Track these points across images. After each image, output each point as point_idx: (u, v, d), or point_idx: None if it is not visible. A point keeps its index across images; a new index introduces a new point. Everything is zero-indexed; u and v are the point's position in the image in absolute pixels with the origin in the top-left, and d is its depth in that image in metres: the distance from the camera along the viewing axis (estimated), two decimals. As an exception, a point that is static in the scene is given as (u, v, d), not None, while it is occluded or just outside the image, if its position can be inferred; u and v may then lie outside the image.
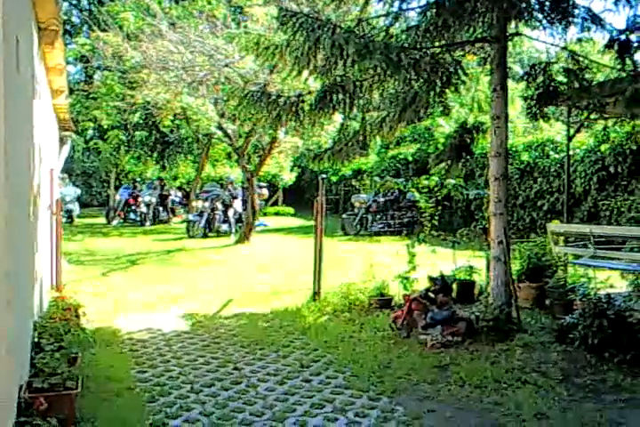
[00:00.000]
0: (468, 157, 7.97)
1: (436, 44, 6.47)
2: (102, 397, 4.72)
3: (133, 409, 4.51)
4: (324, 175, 8.44)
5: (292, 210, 23.92)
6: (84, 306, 6.54)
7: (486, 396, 4.78)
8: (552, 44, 7.05)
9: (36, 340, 5.01)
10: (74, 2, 24.17)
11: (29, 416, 3.77)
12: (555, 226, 8.67)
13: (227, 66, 12.37)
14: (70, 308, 6.10)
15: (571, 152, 10.33)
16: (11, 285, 3.49)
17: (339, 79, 6.75)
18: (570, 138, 9.06)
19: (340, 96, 6.79)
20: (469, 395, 4.81)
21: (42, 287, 6.37)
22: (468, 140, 7.54)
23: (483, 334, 6.22)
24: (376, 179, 17.91)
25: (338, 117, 11.17)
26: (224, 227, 16.47)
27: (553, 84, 7.04)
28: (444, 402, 4.68)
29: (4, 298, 3.30)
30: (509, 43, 6.82)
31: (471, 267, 8.29)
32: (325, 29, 5.68)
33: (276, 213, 23.21)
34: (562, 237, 8.56)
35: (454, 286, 7.89)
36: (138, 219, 19.69)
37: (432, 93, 6.59)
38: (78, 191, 20.73)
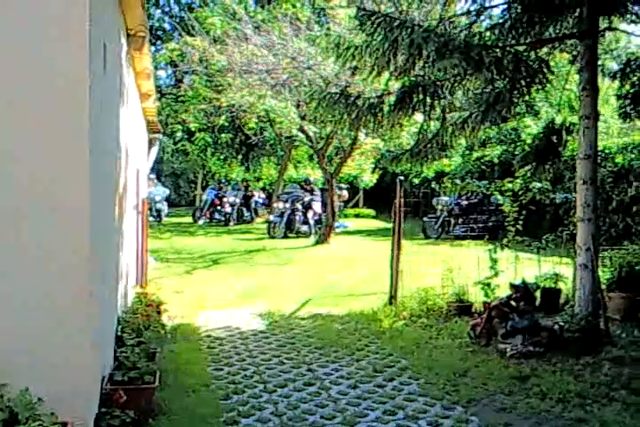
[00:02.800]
0: (556, 159, 7.62)
1: (522, 41, 6.22)
2: (178, 392, 4.84)
3: (208, 405, 4.60)
4: (402, 177, 8.31)
5: (372, 212, 23.77)
6: (166, 302, 6.76)
7: (568, 411, 4.52)
8: (650, 39, 6.62)
9: (119, 334, 5.22)
10: (166, 9, 25.16)
11: (109, 407, 3.92)
12: (650, 233, 8.14)
13: (309, 68, 12.47)
14: (152, 304, 6.31)
15: (670, 154, 9.67)
16: (95, 279, 3.63)
17: (419, 79, 6.62)
18: (669, 139, 8.48)
19: (420, 96, 6.65)
20: (550, 409, 4.57)
21: (127, 283, 6.63)
22: (556, 142, 7.21)
23: (567, 346, 5.90)
24: (457, 181, 17.51)
25: (419, 118, 11.00)
26: (304, 228, 16.62)
27: (650, 81, 6.63)
28: (521, 415, 4.48)
29: (87, 289, 3.44)
30: (601, 38, 6.46)
31: (557, 274, 7.91)
32: (404, 29, 5.58)
33: (357, 215, 23.15)
34: (658, 245, 8.02)
35: (538, 293, 7.55)
36: (222, 219, 20.22)
37: (516, 93, 6.34)
38: (167, 191, 21.55)
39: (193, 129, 18.74)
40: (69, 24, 3.35)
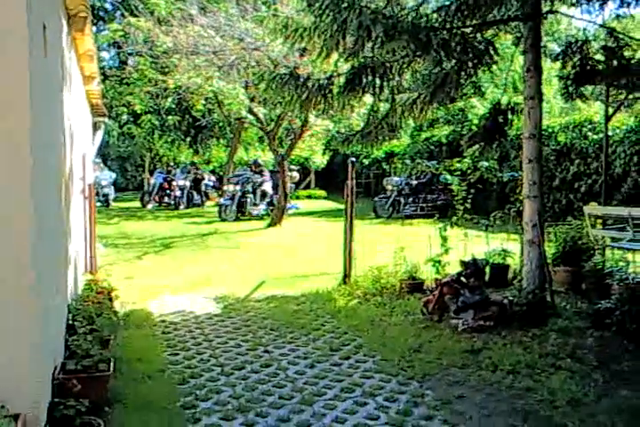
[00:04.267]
0: (502, 138, 7.79)
1: (468, 23, 6.29)
2: (134, 379, 4.80)
3: (164, 391, 4.58)
4: (353, 159, 8.36)
5: (324, 193, 23.88)
6: (117, 289, 6.66)
7: (518, 382, 4.70)
8: (589, 22, 6.83)
9: (70, 322, 5.12)
10: (106, -13, 24.28)
11: (63, 397, 3.85)
12: (592, 208, 8.44)
13: (257, 49, 12.31)
14: (103, 291, 6.21)
15: (610, 133, 10.02)
16: (42, 267, 3.54)
17: (368, 61, 6.63)
18: (608, 118, 8.78)
19: (370, 78, 6.66)
20: (501, 380, 4.74)
21: (76, 270, 6.49)
22: (502, 122, 7.36)
23: (516, 319, 6.12)
24: (407, 162, 17.73)
25: (369, 100, 11.05)
26: (255, 210, 16.56)
27: (590, 62, 6.82)
28: (474, 387, 4.63)
29: (30, 279, 3.35)
30: (544, 21, 6.60)
31: (505, 250, 8.15)
32: (352, 10, 5.56)
33: (308, 197, 23.21)
34: (599, 220, 8.34)
35: (487, 269, 7.76)
36: (172, 202, 19.94)
37: (463, 74, 6.43)
38: (114, 176, 21.08)
39: (139, 112, 18.23)
40: (6, 1, 3.20)
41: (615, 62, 6.70)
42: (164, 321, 6.61)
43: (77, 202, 6.99)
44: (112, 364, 4.39)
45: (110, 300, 6.17)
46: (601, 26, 7.13)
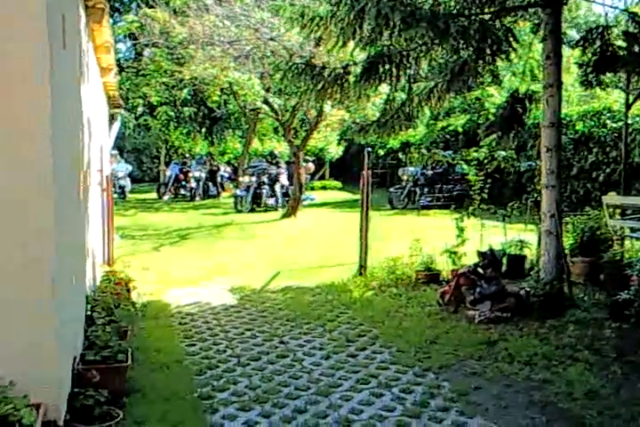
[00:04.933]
0: (520, 127, 7.70)
1: (486, 10, 6.21)
2: (152, 369, 4.84)
3: (181, 382, 4.62)
4: (369, 149, 8.31)
5: (339, 184, 23.81)
6: (134, 280, 6.70)
7: (535, 373, 4.68)
8: (611, 7, 6.68)
9: (88, 313, 5.16)
10: (122, -21, 24.29)
11: (83, 387, 3.89)
12: (611, 198, 8.32)
13: (272, 39, 12.26)
14: (121, 282, 6.25)
15: (629, 121, 9.85)
16: (61, 258, 3.57)
17: (385, 49, 6.57)
18: (629, 106, 8.60)
19: (387, 67, 6.61)
20: (518, 372, 4.72)
21: (94, 262, 6.54)
22: (520, 111, 7.27)
23: (533, 310, 6.08)
24: (423, 151, 17.60)
25: (385, 89, 10.98)
26: (271, 201, 16.57)
27: (611, 49, 6.69)
28: (491, 379, 4.61)
29: (53, 269, 3.38)
30: (564, 7, 6.48)
31: (522, 241, 8.08)
32: (370, -2, 5.51)
33: (323, 188, 23.16)
34: (618, 210, 8.22)
35: (504, 260, 7.72)
36: (188, 194, 19.98)
37: (481, 62, 6.35)
38: (130, 167, 21.15)
39: (155, 103, 18.29)
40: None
41: (637, 48, 6.56)
42: (180, 312, 6.65)
43: (95, 194, 7.04)
44: (130, 354, 4.43)
45: (128, 291, 6.21)
46: (623, 11, 6.98)
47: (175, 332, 5.92)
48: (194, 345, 5.50)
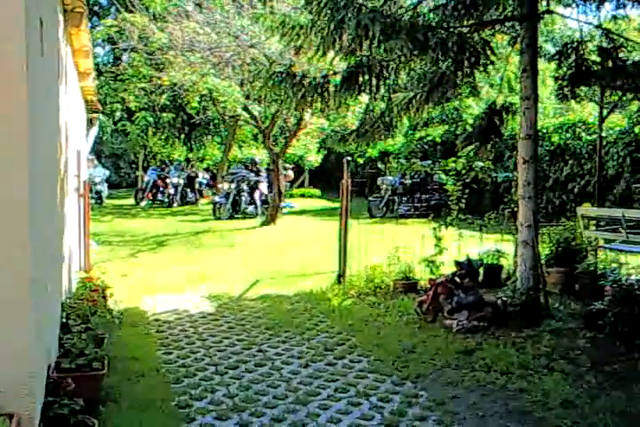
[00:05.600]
0: (497, 139, 7.81)
1: (465, 23, 6.30)
2: (128, 377, 4.78)
3: (158, 390, 4.57)
4: (348, 157, 8.36)
5: (318, 192, 23.85)
6: (111, 287, 6.63)
7: (512, 383, 4.72)
8: (585, 23, 6.83)
9: (64, 320, 5.09)
10: (101, -18, 24.18)
11: (57, 396, 3.83)
12: (585, 209, 8.47)
13: (252, 47, 12.27)
14: (97, 289, 6.19)
15: (603, 133, 10.05)
16: (37, 265, 3.52)
17: (365, 60, 6.62)
18: (602, 119, 8.79)
19: (366, 77, 6.66)
20: (495, 381, 4.76)
21: (70, 268, 6.46)
22: (497, 122, 7.38)
23: (510, 320, 6.14)
24: (402, 161, 17.73)
25: (365, 98, 11.05)
26: (250, 208, 16.53)
27: (585, 63, 6.84)
28: (468, 388, 4.64)
29: (26, 279, 3.33)
30: (540, 21, 6.61)
31: (499, 251, 8.17)
32: (351, 9, 5.55)
33: (302, 195, 23.16)
34: (593, 221, 8.37)
35: (481, 270, 7.80)
36: (166, 200, 19.85)
37: (460, 74, 6.43)
38: (107, 173, 20.95)
39: (133, 108, 18.22)
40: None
41: (610, 63, 6.72)
42: (157, 320, 6.59)
43: (72, 199, 6.96)
44: (106, 363, 4.38)
45: (104, 298, 6.14)
46: (597, 26, 7.14)
47: (152, 340, 5.86)
48: (171, 353, 5.45)
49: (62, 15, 5.49)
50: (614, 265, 7.22)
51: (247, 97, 13.70)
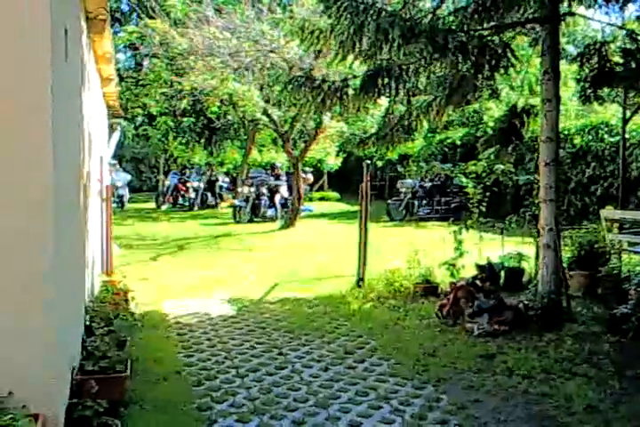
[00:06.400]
0: (518, 141, 7.76)
1: (485, 25, 6.28)
2: (150, 380, 4.83)
3: (180, 393, 4.60)
4: (368, 161, 8.36)
5: (337, 195, 23.87)
6: (132, 290, 6.70)
7: (534, 387, 4.68)
8: (608, 24, 6.76)
9: (87, 323, 5.16)
10: (123, -10, 24.48)
11: (81, 398, 3.89)
12: (609, 212, 8.38)
13: (272, 51, 12.35)
14: (120, 292, 6.25)
15: (627, 135, 9.93)
16: (61, 268, 3.58)
17: (384, 63, 6.63)
18: (626, 121, 8.69)
19: (386, 80, 6.66)
20: (516, 386, 4.72)
21: (93, 272, 6.54)
22: (518, 124, 7.34)
23: (531, 324, 6.09)
24: (422, 164, 17.68)
25: (384, 102, 11.05)
26: (270, 212, 16.59)
27: (608, 64, 6.77)
28: (489, 392, 4.61)
29: (54, 279, 3.38)
30: (562, 23, 6.56)
31: (520, 254, 8.11)
32: (370, 13, 5.57)
33: (322, 199, 23.20)
34: (616, 224, 8.27)
35: (502, 273, 7.75)
36: (186, 204, 20.01)
37: (480, 77, 6.41)
38: (129, 177, 21.17)
39: (154, 113, 18.42)
40: (30, 7, 3.22)
41: (634, 64, 6.64)
42: (178, 322, 6.64)
43: (95, 203, 7.05)
44: (129, 365, 4.42)
45: (126, 301, 6.21)
46: (620, 27, 7.07)
47: (173, 342, 5.91)
48: (192, 356, 5.49)
49: (85, 22, 5.58)
50: (638, 268, 7.12)
51: (267, 101, 13.78)
